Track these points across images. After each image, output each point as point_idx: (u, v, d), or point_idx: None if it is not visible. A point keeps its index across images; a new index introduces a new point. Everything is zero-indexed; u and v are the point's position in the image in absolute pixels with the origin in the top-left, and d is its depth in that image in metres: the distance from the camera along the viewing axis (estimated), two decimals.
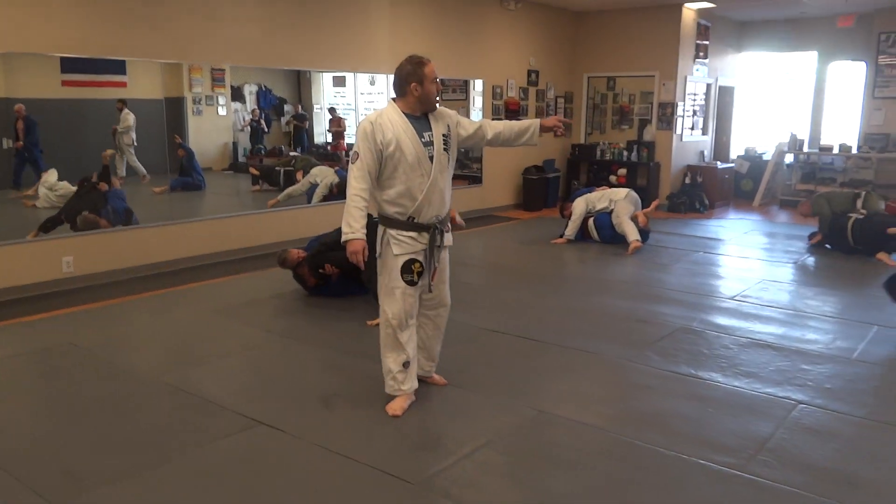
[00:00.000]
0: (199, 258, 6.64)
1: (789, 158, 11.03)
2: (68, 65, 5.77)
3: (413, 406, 3.44)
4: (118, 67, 6.10)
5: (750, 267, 6.71)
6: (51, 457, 3.02)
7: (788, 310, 5.25)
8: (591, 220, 7.68)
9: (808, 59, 11.37)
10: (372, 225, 3.29)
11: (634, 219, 7.40)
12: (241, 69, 7.42)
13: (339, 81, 8.71)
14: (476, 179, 9.79)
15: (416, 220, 3.29)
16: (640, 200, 7.69)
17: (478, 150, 9.34)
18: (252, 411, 3.42)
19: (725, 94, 11.77)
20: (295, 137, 8.54)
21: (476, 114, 9.49)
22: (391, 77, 3.43)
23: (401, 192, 3.25)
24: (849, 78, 11.00)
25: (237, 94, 7.71)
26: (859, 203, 7.51)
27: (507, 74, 9.91)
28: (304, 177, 7.86)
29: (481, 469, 2.92)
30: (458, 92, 9.44)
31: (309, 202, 7.80)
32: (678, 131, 10.49)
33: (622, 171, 10.42)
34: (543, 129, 3.55)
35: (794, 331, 4.74)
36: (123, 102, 6.38)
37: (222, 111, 7.51)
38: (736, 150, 12.06)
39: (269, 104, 8.12)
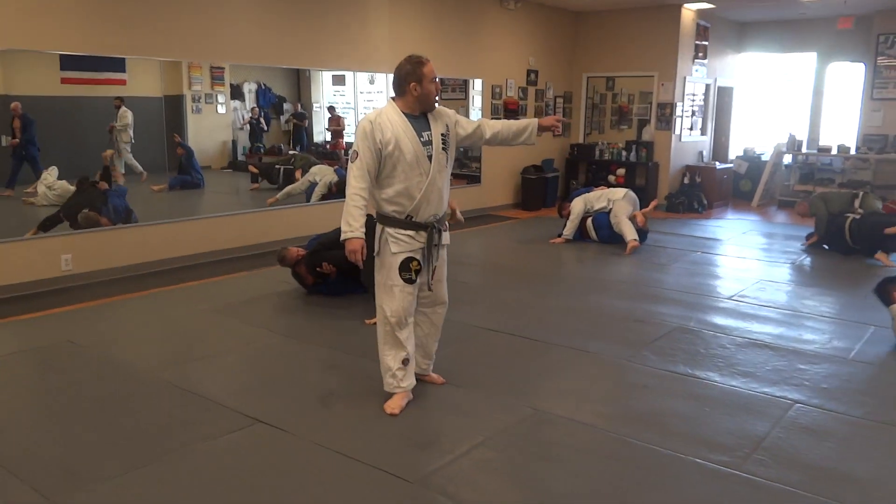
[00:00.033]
0: (198, 256, 6.65)
1: (788, 159, 11.05)
2: (68, 62, 5.77)
3: (411, 405, 3.45)
4: (118, 65, 6.09)
5: (748, 267, 6.73)
6: (50, 454, 3.03)
7: (785, 310, 5.26)
8: (589, 220, 7.70)
9: (807, 60, 11.39)
10: (371, 224, 3.30)
11: (633, 219, 7.41)
12: (240, 67, 7.42)
13: (338, 80, 8.71)
14: (475, 179, 9.80)
15: (413, 219, 3.30)
16: (638, 200, 7.70)
17: (476, 149, 9.35)
18: (251, 409, 3.43)
19: (724, 95, 11.79)
20: (294, 136, 8.54)
21: (475, 113, 9.50)
22: (390, 76, 3.44)
23: (399, 190, 3.27)
24: (847, 79, 11.02)
25: (236, 93, 7.70)
26: (857, 203, 7.53)
27: (506, 74, 9.92)
28: (303, 175, 7.87)
29: (479, 467, 2.93)
30: (458, 91, 9.45)
31: (308, 201, 7.81)
32: (677, 131, 10.50)
33: (621, 171, 10.43)
34: (541, 129, 3.57)
35: (790, 331, 4.75)
36: (121, 100, 6.38)
37: (221, 109, 7.51)
38: (734, 151, 12.09)
39: (268, 102, 8.12)
